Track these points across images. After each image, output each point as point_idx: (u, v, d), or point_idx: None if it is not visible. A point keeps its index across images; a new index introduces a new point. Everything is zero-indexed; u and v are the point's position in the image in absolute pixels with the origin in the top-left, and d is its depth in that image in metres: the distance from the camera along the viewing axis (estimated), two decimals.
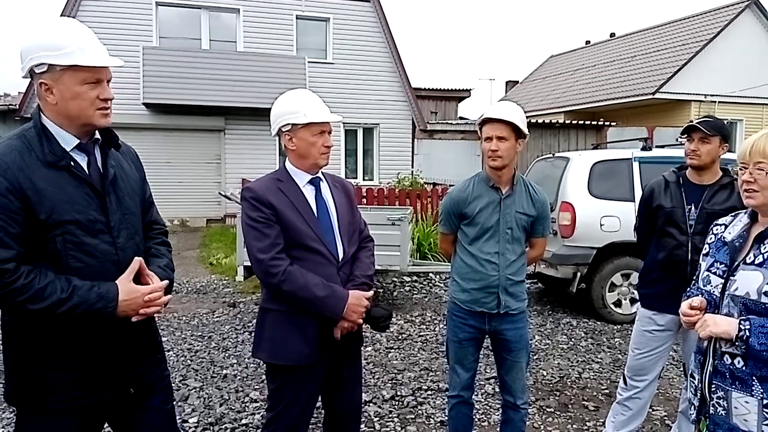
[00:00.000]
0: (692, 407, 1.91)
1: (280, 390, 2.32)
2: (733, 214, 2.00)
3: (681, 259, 2.86)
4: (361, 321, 2.32)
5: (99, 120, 1.73)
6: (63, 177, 1.67)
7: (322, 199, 2.36)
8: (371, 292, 2.35)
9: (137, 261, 1.77)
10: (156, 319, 1.99)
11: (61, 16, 13.12)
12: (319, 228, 2.29)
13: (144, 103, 13.75)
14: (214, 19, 15.16)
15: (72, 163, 1.69)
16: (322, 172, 2.46)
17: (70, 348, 1.70)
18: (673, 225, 2.91)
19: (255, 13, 15.08)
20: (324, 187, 2.39)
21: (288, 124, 2.25)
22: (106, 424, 1.95)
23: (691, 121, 2.92)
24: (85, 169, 1.74)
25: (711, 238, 1.99)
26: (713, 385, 1.80)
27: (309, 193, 2.33)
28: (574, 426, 3.69)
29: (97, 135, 1.80)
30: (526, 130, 2.65)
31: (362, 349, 2.67)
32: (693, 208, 2.87)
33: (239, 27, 15.09)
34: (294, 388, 2.29)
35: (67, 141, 1.71)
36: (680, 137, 3.00)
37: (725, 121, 3.03)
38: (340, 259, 2.32)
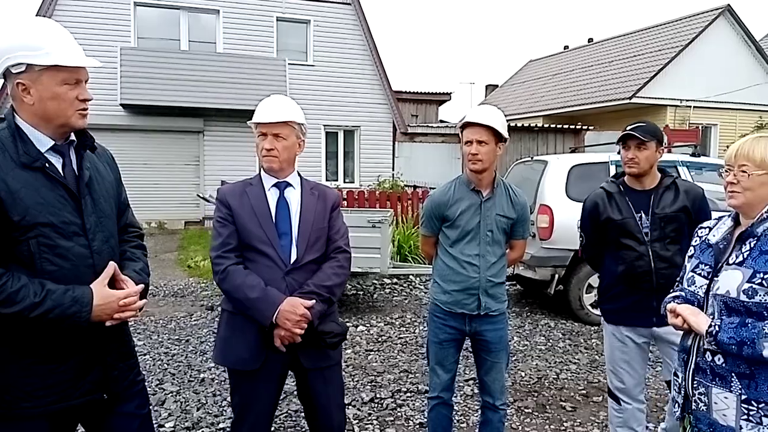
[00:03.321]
0: (676, 405, 1.96)
1: (235, 393, 2.36)
2: (716, 218, 2.05)
3: (644, 270, 2.74)
4: (298, 331, 2.17)
5: (77, 121, 1.72)
6: (37, 179, 1.64)
7: (284, 202, 2.33)
8: (312, 302, 2.19)
9: (112, 265, 1.75)
10: (132, 322, 1.96)
11: (37, 15, 12.90)
12: (272, 230, 2.26)
13: (121, 104, 13.56)
14: (194, 19, 15.01)
15: (47, 165, 1.67)
16: (302, 177, 2.43)
17: (42, 353, 1.67)
18: (628, 236, 2.79)
19: (235, 14, 14.98)
20: (290, 191, 2.36)
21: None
22: (80, 428, 1.92)
23: (625, 129, 2.81)
24: (60, 171, 1.71)
25: (696, 241, 2.04)
26: (695, 382, 1.86)
27: (272, 195, 2.33)
28: (552, 426, 3.73)
29: (72, 137, 1.78)
30: (506, 134, 2.68)
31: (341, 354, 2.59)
32: (643, 215, 2.77)
33: (219, 28, 14.98)
34: (243, 393, 2.30)
35: (42, 142, 1.69)
36: (617, 145, 2.89)
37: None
38: (289, 264, 2.26)
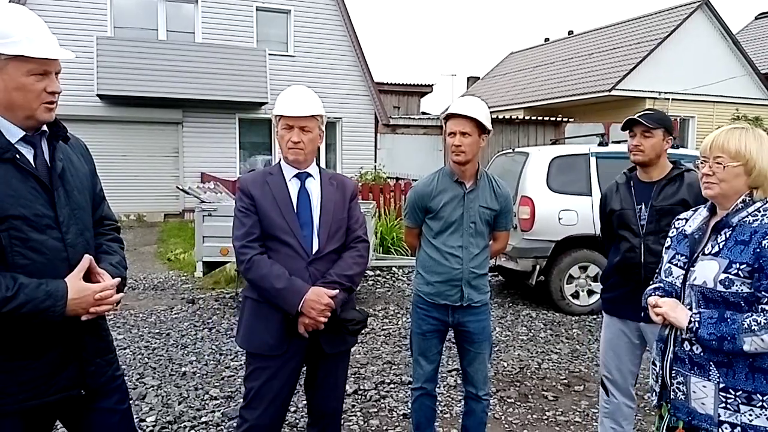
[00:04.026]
0: (654, 393, 1.98)
1: (251, 377, 2.37)
2: (693, 208, 2.06)
3: (635, 263, 2.70)
4: (323, 319, 2.24)
5: (42, 114, 1.66)
6: (8, 170, 1.59)
7: (305, 193, 2.37)
8: (336, 291, 2.27)
9: (87, 258, 1.70)
10: (111, 316, 1.92)
11: (10, 1, 12.59)
12: (294, 221, 2.30)
13: (98, 95, 13.32)
14: (172, 8, 14.77)
15: (17, 156, 1.62)
16: (320, 168, 2.46)
17: (14, 349, 1.62)
18: (625, 227, 2.76)
19: (214, 3, 14.75)
20: (311, 181, 2.40)
21: None
22: (60, 425, 1.88)
23: (632, 116, 2.73)
24: (32, 162, 1.66)
25: (673, 232, 2.05)
26: (674, 371, 1.87)
27: (293, 186, 2.37)
28: (534, 416, 3.76)
29: (44, 127, 1.72)
30: (489, 126, 2.68)
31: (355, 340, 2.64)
32: (644, 207, 2.70)
33: (198, 17, 14.75)
34: (262, 378, 2.33)
35: (12, 133, 1.63)
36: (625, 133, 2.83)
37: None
38: (311, 254, 2.31)
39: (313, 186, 2.40)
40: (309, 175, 2.40)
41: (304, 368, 2.54)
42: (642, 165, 2.75)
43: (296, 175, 2.38)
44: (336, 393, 2.53)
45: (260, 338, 2.32)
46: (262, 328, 2.32)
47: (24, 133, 1.66)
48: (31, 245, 1.61)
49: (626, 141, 2.83)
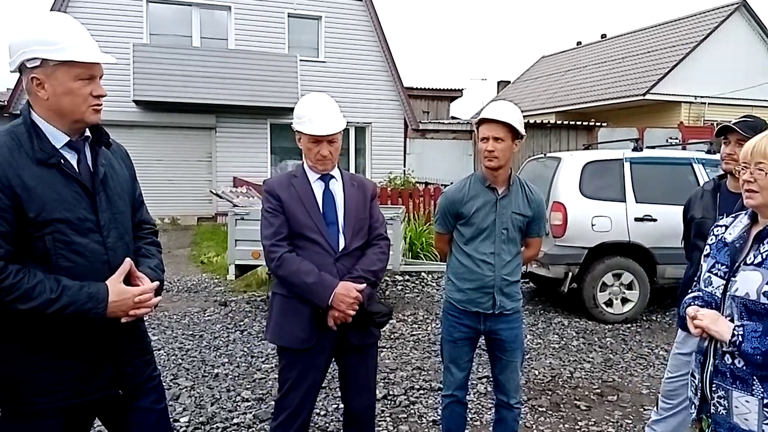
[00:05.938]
0: (692, 406, 1.92)
1: (284, 371, 2.47)
2: (733, 215, 1.99)
3: None
4: (352, 312, 2.33)
5: (90, 116, 1.72)
6: (53, 175, 1.64)
7: (330, 194, 2.47)
8: (363, 285, 2.37)
9: (128, 262, 1.75)
10: (147, 318, 1.96)
11: (51, 10, 12.99)
12: (321, 220, 2.40)
13: (134, 101, 13.64)
14: (206, 16, 15.05)
15: (62, 161, 1.67)
16: (341, 170, 2.55)
17: (57, 348, 1.68)
18: (701, 237, 2.56)
19: (246, 10, 14.99)
20: (334, 183, 2.50)
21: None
22: (98, 423, 1.93)
23: (729, 122, 2.59)
24: (75, 167, 1.71)
25: (712, 240, 1.99)
26: (714, 385, 1.80)
27: (318, 188, 2.46)
28: (566, 425, 3.70)
29: (87, 133, 1.78)
30: (523, 131, 2.65)
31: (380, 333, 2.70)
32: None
33: (230, 24, 15.00)
34: (294, 371, 2.42)
35: (58, 138, 1.69)
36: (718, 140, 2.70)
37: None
38: (338, 251, 2.41)
39: (337, 187, 2.50)
40: (332, 177, 2.50)
41: (336, 370, 2.62)
42: (733, 174, 2.57)
43: (320, 178, 2.47)
44: (368, 387, 2.60)
45: (291, 333, 2.40)
46: (292, 323, 2.40)
47: (69, 138, 1.71)
48: (74, 248, 1.66)
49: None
